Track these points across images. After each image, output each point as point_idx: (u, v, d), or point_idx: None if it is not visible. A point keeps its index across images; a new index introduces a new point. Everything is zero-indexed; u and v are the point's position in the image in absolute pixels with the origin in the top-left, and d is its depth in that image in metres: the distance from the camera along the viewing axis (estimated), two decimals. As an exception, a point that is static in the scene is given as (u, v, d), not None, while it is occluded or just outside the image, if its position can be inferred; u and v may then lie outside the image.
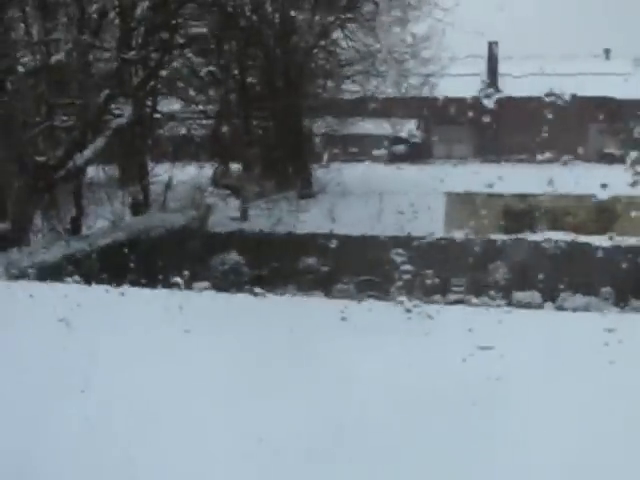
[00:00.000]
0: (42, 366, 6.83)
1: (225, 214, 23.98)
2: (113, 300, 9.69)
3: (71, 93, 22.31)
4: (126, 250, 18.82)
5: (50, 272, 15.35)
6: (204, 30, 25.10)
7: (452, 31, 27.80)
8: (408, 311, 7.98)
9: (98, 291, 10.47)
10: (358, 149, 33.53)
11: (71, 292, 10.16)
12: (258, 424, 5.55)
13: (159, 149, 27.08)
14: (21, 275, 14.79)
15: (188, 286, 14.49)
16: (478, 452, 5.12)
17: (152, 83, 24.56)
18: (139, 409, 5.95)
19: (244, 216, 24.20)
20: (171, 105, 27.83)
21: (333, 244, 19.34)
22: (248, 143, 26.91)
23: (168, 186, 24.90)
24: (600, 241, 20.01)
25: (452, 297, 18.77)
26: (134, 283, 11.51)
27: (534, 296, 19.61)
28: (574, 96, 39.69)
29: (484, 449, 5.16)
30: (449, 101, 29.29)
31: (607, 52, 55.09)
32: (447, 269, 19.43)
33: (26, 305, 9.04)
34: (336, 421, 5.53)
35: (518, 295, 19.21)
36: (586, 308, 18.52)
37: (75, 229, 21.93)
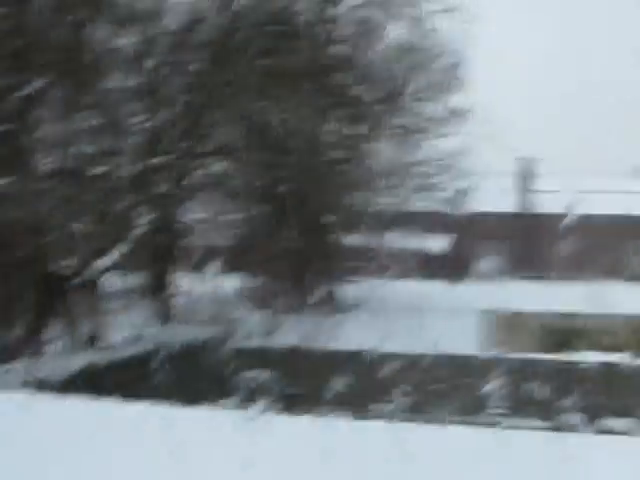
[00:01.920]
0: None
1: (251, 328, 23.19)
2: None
3: (90, 198, 21.77)
4: (147, 364, 18.22)
5: (59, 386, 14.62)
6: (232, 139, 24.80)
7: (485, 146, 27.63)
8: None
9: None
10: (391, 264, 32.91)
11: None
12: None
13: (184, 259, 26.54)
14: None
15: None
16: None
17: (177, 191, 24.07)
18: None
19: (271, 331, 23.38)
20: (197, 214, 27.31)
21: (370, 362, 18.71)
22: (277, 256, 26.34)
23: (192, 297, 24.27)
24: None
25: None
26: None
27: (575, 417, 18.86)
28: (610, 215, 39.52)
29: None
30: (484, 216, 28.92)
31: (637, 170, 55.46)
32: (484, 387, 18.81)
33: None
34: None
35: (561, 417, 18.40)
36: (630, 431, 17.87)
37: (93, 340, 21.16)
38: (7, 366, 16.46)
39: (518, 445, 9.38)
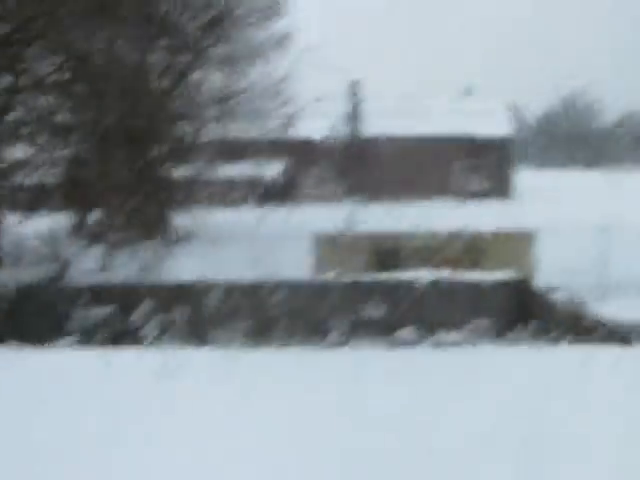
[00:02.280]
0: None
1: (85, 266, 22.79)
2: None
3: None
4: None
5: None
6: (54, 72, 24.04)
7: (316, 70, 27.73)
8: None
9: None
10: (223, 193, 32.82)
11: None
12: None
13: (9, 199, 25.66)
14: None
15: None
16: None
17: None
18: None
19: (106, 266, 23.05)
20: (21, 152, 26.38)
21: (204, 291, 18.72)
22: (106, 190, 25.77)
23: (21, 238, 23.56)
24: (470, 276, 20.21)
25: (331, 339, 18.35)
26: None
27: (411, 334, 19.43)
28: (435, 137, 40.45)
29: None
30: (314, 142, 29.10)
31: (469, 89, 56.97)
32: (322, 312, 19.09)
33: None
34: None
35: (399, 334, 18.93)
36: (463, 343, 18.52)
37: None
38: None
39: (363, 363, 9.78)
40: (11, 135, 25.07)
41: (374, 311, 19.66)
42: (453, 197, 38.38)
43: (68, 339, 17.81)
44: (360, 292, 19.78)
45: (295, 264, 20.78)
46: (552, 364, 9.84)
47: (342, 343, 17.70)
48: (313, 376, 9.29)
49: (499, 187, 44.34)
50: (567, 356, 10.62)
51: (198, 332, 17.80)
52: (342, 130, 41.90)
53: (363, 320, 19.41)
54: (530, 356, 10.76)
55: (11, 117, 24.34)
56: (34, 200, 25.98)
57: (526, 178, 49.25)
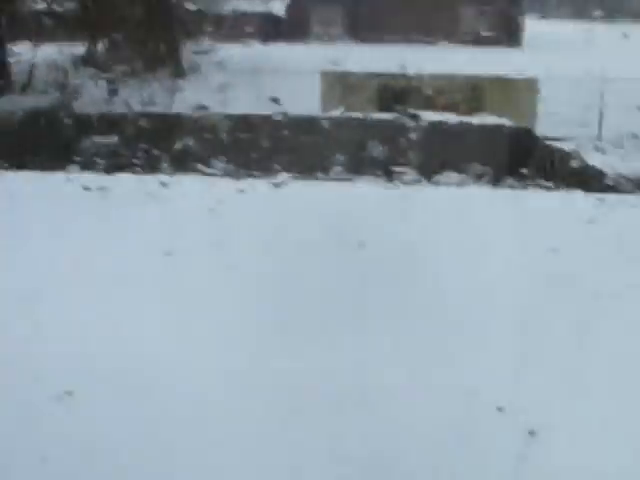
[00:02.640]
0: None
1: (93, 95, 23.02)
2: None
3: None
4: None
5: None
6: None
7: None
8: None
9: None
10: (230, 28, 32.65)
11: None
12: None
13: (24, 26, 25.62)
14: None
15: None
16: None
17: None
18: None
19: (113, 97, 23.30)
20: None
21: (210, 123, 18.97)
22: (116, 20, 25.74)
23: (31, 67, 23.71)
24: (473, 120, 20.37)
25: (332, 174, 18.73)
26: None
27: (411, 173, 19.75)
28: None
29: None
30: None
31: None
32: (326, 147, 19.34)
33: None
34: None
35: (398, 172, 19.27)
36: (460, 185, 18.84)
37: None
38: None
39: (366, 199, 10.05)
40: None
41: (376, 149, 19.98)
42: (461, 42, 38.06)
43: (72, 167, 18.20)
44: (363, 130, 20.05)
45: (301, 100, 20.89)
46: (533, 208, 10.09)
47: (344, 178, 18.08)
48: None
49: (508, 35, 43.87)
50: (550, 201, 10.90)
51: (201, 162, 18.13)
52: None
53: (366, 157, 19.73)
54: (515, 200, 10.99)
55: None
56: (44, 28, 25.94)
57: (537, 27, 48.64)
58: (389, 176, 18.71)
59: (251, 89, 20.99)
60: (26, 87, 23.51)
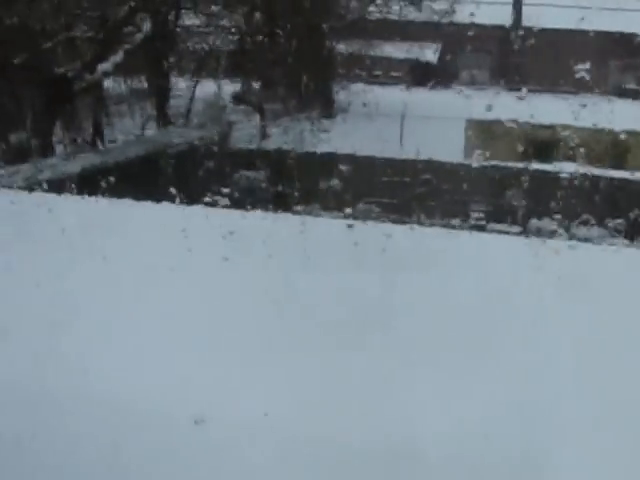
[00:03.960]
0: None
1: (246, 132, 24.00)
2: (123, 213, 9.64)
3: (92, 4, 22.21)
4: (146, 165, 18.98)
5: (67, 184, 15.28)
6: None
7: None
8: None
9: (117, 205, 10.39)
10: (380, 72, 33.32)
11: (81, 205, 10.13)
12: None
13: (181, 64, 26.94)
14: (38, 186, 14.67)
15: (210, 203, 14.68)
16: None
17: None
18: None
19: (264, 134, 24.24)
20: (194, 20, 27.57)
21: (354, 165, 19.50)
22: (271, 61, 26.75)
23: (190, 101, 24.89)
24: (617, 174, 20.17)
25: (472, 222, 18.95)
26: (153, 198, 11.28)
27: (549, 224, 19.76)
28: (598, 32, 39.44)
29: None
30: (474, 27, 29.01)
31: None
32: (466, 194, 19.64)
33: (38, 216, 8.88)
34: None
35: (533, 222, 19.37)
36: (597, 239, 18.71)
37: (95, 142, 22.05)
38: (14, 167, 17.40)
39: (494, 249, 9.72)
40: (187, 4, 26.18)
41: (516, 198, 20.08)
42: (606, 93, 37.66)
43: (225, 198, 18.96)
44: (504, 179, 20.21)
45: (445, 146, 21.12)
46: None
47: (481, 226, 18.26)
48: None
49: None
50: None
51: (344, 202, 18.57)
52: (501, 18, 41.30)
53: (504, 206, 19.85)
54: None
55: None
56: (202, 66, 27.17)
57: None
58: (527, 225, 18.83)
59: (396, 131, 21.32)
60: (184, 120, 24.69)
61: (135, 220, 9.34)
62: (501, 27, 42.20)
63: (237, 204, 17.77)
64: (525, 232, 17.61)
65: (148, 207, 10.49)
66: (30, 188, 14.44)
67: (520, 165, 21.23)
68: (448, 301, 6.66)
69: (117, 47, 21.60)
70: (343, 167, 19.73)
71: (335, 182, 19.98)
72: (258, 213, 10.95)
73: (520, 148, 23.26)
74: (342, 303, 6.48)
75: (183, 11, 26.40)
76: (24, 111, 20.46)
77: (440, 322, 6.21)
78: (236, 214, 10.62)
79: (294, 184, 19.68)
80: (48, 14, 20.76)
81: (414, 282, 6.74)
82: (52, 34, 20.74)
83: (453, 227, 17.44)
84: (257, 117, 25.39)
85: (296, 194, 18.65)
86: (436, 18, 31.28)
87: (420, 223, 16.07)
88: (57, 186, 14.52)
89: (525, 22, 41.21)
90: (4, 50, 19.58)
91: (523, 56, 39.31)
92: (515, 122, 23.72)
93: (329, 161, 20.45)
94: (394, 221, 14.71)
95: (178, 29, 26.48)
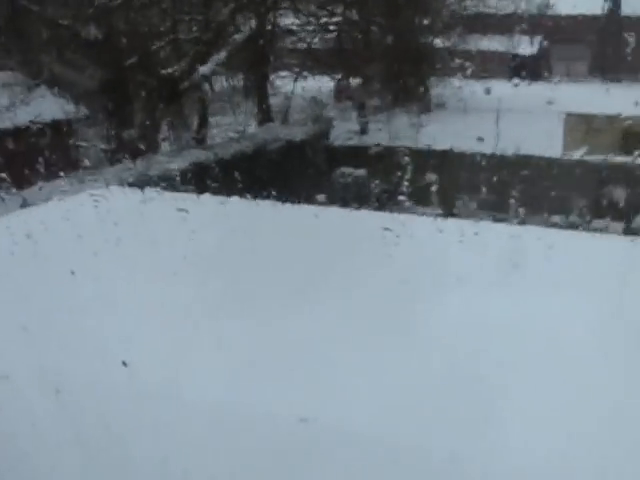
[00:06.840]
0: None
1: (345, 128, 24.27)
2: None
3: (196, 8, 22.83)
4: (250, 161, 19.32)
5: (175, 180, 15.62)
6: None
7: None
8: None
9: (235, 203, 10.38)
10: (477, 66, 33.21)
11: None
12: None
13: (281, 63, 27.39)
14: (148, 183, 14.94)
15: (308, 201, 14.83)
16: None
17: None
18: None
19: (364, 130, 24.48)
20: (293, 20, 27.96)
21: (452, 160, 19.51)
22: (369, 58, 26.97)
23: (289, 98, 25.26)
24: None
25: (571, 218, 18.86)
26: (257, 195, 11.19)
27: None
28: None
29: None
30: (569, 19, 28.87)
31: None
32: (564, 189, 19.56)
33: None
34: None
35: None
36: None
37: (200, 139, 22.60)
38: (123, 165, 18.01)
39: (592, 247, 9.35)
40: (286, 4, 26.56)
41: (617, 194, 19.86)
42: None
43: (326, 196, 19.21)
44: (604, 173, 20.03)
45: (543, 141, 21.02)
46: None
47: (581, 224, 18.10)
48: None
49: None
50: None
51: (445, 199, 18.63)
52: (598, 8, 40.77)
53: (605, 202, 19.66)
54: None
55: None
56: (302, 64, 27.53)
57: None
58: (627, 221, 18.58)
59: (493, 126, 21.20)
60: (284, 118, 25.11)
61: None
62: (599, 17, 41.76)
63: (338, 201, 17.96)
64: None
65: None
66: (142, 184, 14.88)
67: (621, 159, 21.01)
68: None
69: (220, 47, 22.15)
70: (445, 163, 19.80)
71: (433, 178, 20.03)
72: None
73: (621, 142, 22.99)
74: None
75: (282, 11, 26.82)
76: (134, 110, 21.12)
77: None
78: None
79: (398, 180, 19.78)
80: (156, 18, 21.52)
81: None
82: (160, 37, 21.44)
83: (554, 224, 17.41)
84: (354, 114, 25.62)
85: (404, 190, 18.72)
86: (533, 10, 31.08)
87: (521, 221, 16.00)
88: (168, 182, 14.54)
89: (624, 10, 40.66)
90: (117, 53, 20.31)
91: (622, 46, 38.70)
92: (614, 116, 23.44)
93: (429, 156, 20.52)
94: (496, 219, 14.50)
95: (277, 29, 26.91)
